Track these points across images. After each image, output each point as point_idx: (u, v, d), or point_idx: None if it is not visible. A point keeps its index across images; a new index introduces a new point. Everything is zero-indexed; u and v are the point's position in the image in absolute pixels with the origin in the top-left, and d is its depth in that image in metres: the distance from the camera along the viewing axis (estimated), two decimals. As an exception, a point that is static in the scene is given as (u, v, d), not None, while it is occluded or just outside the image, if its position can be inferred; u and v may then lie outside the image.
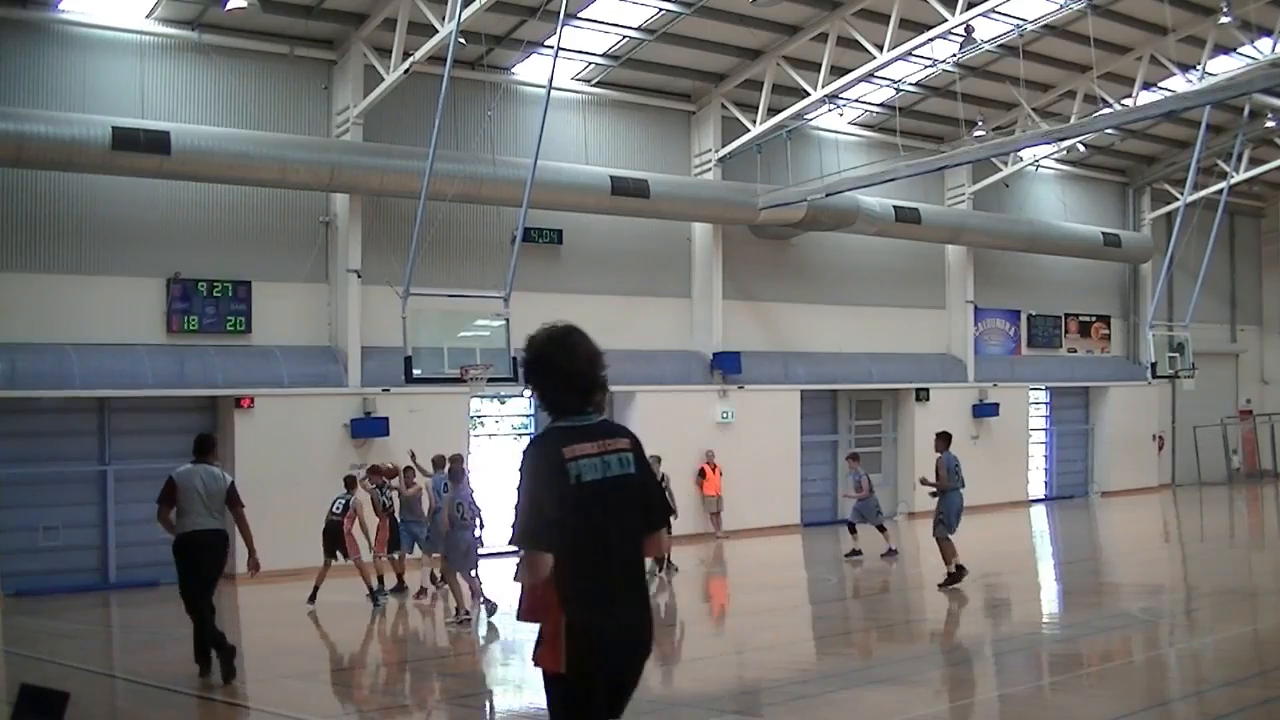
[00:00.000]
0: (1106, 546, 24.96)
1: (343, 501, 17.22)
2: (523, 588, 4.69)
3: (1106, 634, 13.52)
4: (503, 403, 24.09)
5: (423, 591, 17.32)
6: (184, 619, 11.46)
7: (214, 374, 20.17)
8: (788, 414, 26.89)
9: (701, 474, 25.11)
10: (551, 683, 4.65)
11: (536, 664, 4.67)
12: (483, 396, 22.66)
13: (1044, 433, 33.55)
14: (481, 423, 24.09)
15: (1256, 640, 13.05)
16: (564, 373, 4.71)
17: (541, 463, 4.64)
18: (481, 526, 15.40)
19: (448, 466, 16.17)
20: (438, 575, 17.01)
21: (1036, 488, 33.08)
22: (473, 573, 15.28)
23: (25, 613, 16.97)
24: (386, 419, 21.25)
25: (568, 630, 4.55)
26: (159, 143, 18.67)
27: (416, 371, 18.62)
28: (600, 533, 4.62)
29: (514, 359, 19.21)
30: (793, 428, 26.99)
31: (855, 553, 21.05)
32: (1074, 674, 11.53)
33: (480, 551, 15.46)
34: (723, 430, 25.55)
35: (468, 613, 14.91)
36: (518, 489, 4.68)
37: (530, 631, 4.74)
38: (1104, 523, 29.27)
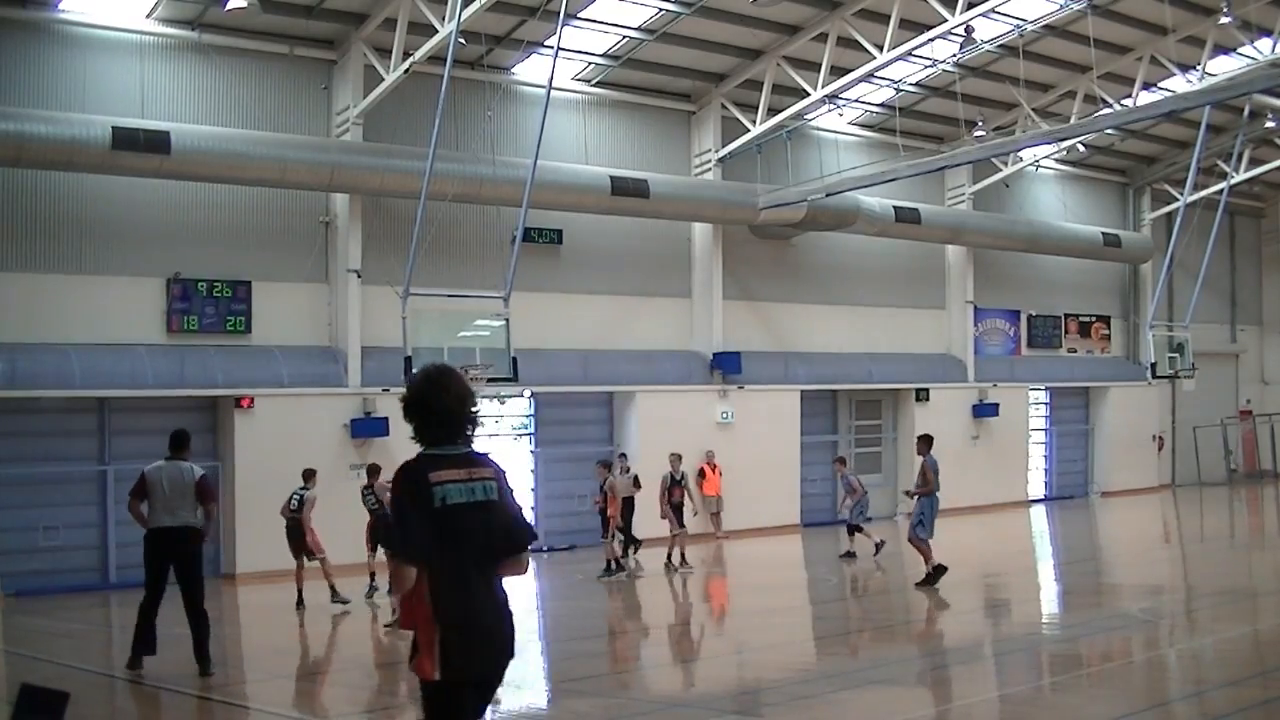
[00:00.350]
0: (1106, 547, 24.97)
1: (298, 497, 16.80)
2: (402, 599, 5.17)
3: (1106, 634, 13.53)
4: (503, 403, 24.02)
5: None
6: (183, 619, 11.47)
7: (214, 374, 20.16)
8: (788, 414, 26.88)
9: (701, 474, 25.07)
10: (426, 688, 5.14)
11: (413, 671, 5.13)
12: (482, 396, 22.61)
13: (1044, 433, 33.54)
14: (481, 423, 24.08)
15: (1256, 640, 13.06)
16: (435, 410, 5.30)
17: (410, 485, 5.15)
18: None
19: None
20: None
21: (1036, 488, 33.07)
22: None
23: (25, 613, 16.97)
24: (386, 419, 21.22)
25: (441, 640, 5.02)
26: (159, 143, 18.67)
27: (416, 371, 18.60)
28: (463, 550, 5.10)
29: (513, 359, 19.23)
30: (793, 428, 26.98)
31: (849, 554, 21.08)
32: (1074, 674, 11.54)
33: None
34: (723, 430, 25.54)
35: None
36: (391, 508, 5.25)
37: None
38: (1104, 523, 29.27)
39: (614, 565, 19.74)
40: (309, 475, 17.12)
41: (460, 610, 5.06)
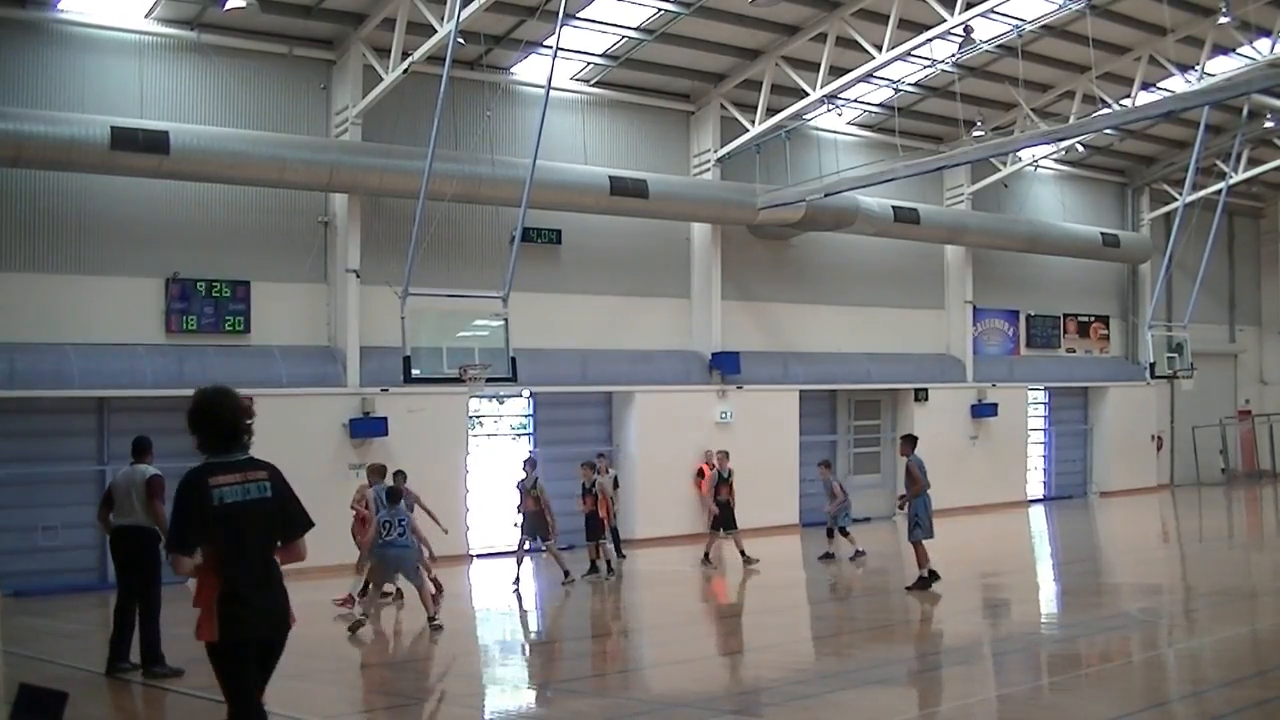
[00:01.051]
0: (1105, 547, 24.98)
1: None
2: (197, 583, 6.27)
3: (1105, 634, 13.54)
4: (501, 403, 24.07)
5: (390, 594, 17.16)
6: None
7: (213, 374, 20.00)
8: (787, 414, 26.88)
9: (700, 474, 25.11)
10: (210, 651, 6.25)
11: (198, 638, 6.24)
12: (481, 396, 22.65)
13: (1043, 433, 33.54)
14: (480, 423, 24.09)
15: (1254, 640, 13.08)
16: (214, 423, 6.34)
17: (191, 488, 6.25)
18: (409, 540, 15.03)
19: (388, 486, 16.05)
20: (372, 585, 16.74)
21: (1035, 488, 33.08)
22: (418, 578, 15.12)
23: (24, 613, 16.96)
24: (385, 419, 21.25)
25: (218, 610, 6.14)
26: (158, 142, 18.66)
27: (415, 371, 18.60)
28: (240, 538, 6.23)
29: (512, 359, 19.23)
30: (792, 428, 26.98)
31: (859, 553, 21.11)
32: (1073, 674, 11.56)
33: (415, 561, 15.17)
34: (722, 430, 25.52)
35: (365, 616, 14.95)
36: (172, 508, 6.34)
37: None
38: (1103, 523, 29.28)
39: (608, 566, 19.75)
40: None
41: (234, 586, 6.17)
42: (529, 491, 19.05)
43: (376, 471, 17.07)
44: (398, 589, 17.20)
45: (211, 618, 6.14)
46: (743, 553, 20.61)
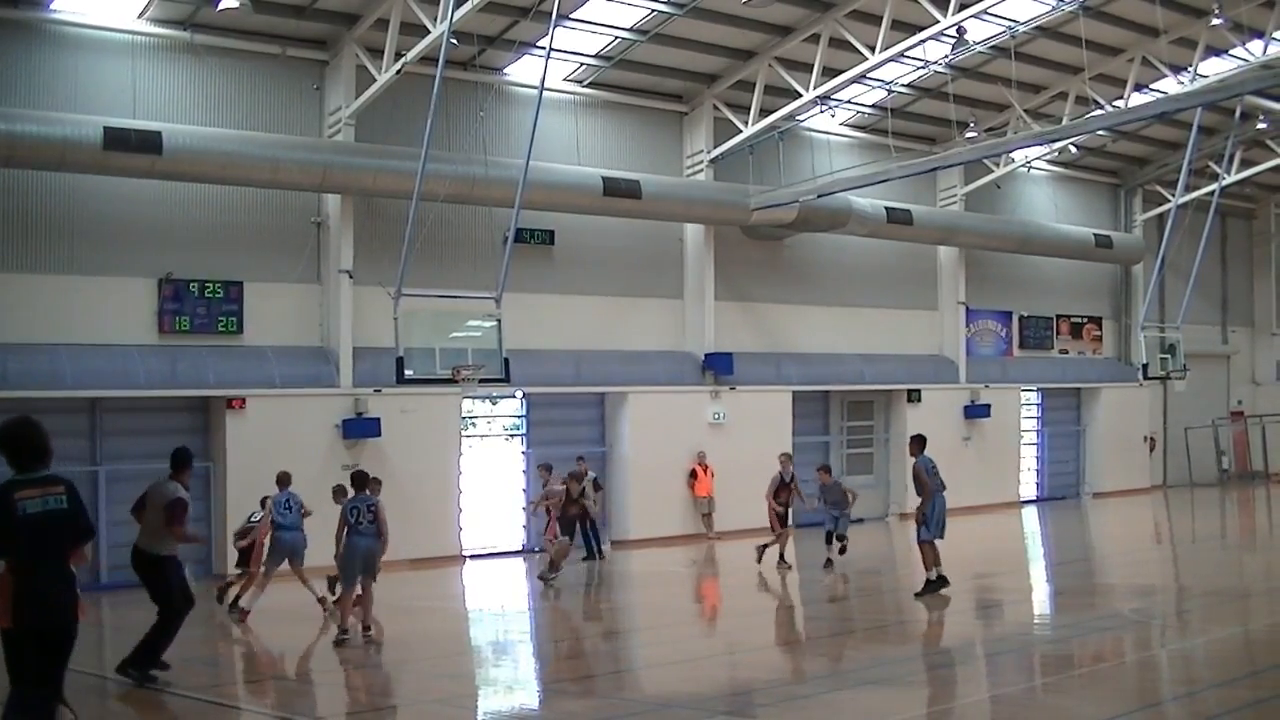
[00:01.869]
0: (1098, 547, 25.02)
1: (257, 517, 16.74)
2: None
3: (1098, 635, 13.56)
4: (494, 404, 24.07)
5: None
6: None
7: (206, 374, 20.12)
8: (780, 415, 26.85)
9: (693, 475, 25.11)
10: (3, 636, 7.26)
11: None
12: (474, 397, 22.64)
13: (1036, 434, 33.58)
14: (473, 423, 24.07)
15: (1247, 641, 13.10)
16: (19, 448, 7.34)
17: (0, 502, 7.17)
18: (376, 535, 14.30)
19: (353, 471, 15.60)
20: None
21: (1028, 489, 33.08)
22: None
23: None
24: (378, 419, 21.22)
25: (13, 604, 7.16)
26: (151, 143, 18.62)
27: (408, 372, 18.58)
28: (38, 543, 7.24)
29: (505, 360, 19.22)
30: (785, 429, 26.92)
31: (841, 550, 20.98)
32: (1066, 675, 11.58)
33: (379, 558, 14.43)
34: (715, 431, 25.54)
35: (345, 630, 14.01)
36: None
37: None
38: (1095, 524, 29.32)
39: (597, 565, 19.78)
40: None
41: (29, 584, 7.18)
42: (577, 499, 19.22)
43: (282, 480, 16.51)
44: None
45: (7, 608, 7.14)
46: (763, 548, 20.50)
